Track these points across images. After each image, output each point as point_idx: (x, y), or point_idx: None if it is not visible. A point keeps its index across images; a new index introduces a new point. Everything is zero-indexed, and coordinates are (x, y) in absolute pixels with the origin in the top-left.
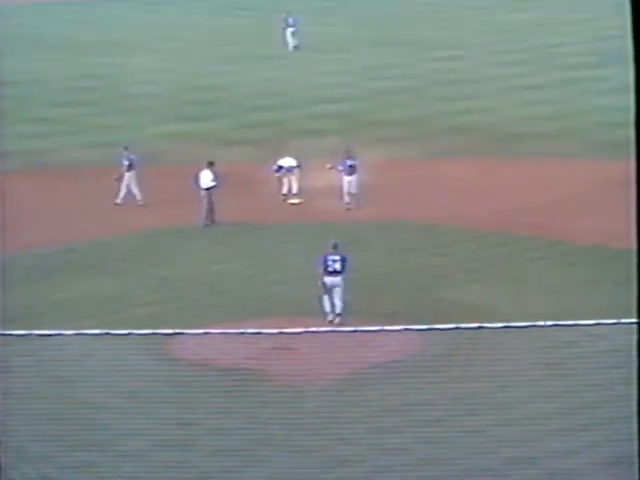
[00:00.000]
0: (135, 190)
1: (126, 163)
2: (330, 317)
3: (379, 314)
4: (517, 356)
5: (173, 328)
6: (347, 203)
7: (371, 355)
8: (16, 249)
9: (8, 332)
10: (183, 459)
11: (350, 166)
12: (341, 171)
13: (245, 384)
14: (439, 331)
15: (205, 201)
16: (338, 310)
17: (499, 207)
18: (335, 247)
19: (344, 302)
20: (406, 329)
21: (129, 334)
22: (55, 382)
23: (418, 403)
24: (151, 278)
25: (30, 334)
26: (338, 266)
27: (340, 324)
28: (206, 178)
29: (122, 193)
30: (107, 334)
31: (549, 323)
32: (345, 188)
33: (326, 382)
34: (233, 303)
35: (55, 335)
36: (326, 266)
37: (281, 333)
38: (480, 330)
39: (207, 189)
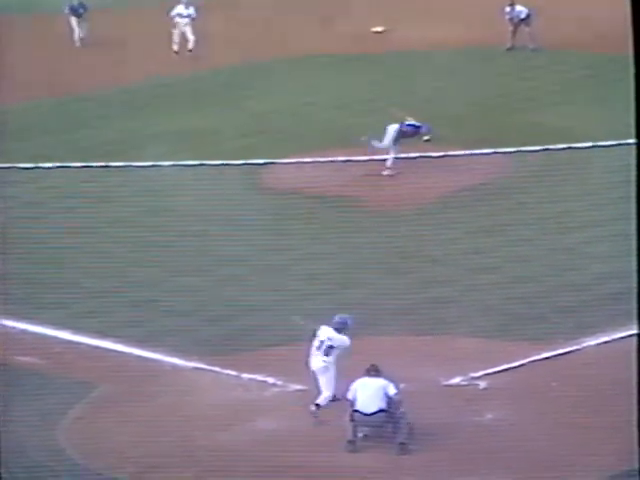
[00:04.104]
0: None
1: None
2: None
3: (470, 139)
4: (606, 175)
5: (264, 159)
6: None
7: (461, 179)
8: (110, 85)
9: (108, 164)
10: (280, 282)
11: None
12: None
13: (337, 210)
14: (528, 153)
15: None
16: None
17: (585, 27)
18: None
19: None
20: (495, 152)
21: (223, 165)
22: (153, 212)
23: (509, 224)
24: (240, 111)
25: (129, 165)
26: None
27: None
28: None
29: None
30: (202, 165)
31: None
32: None
33: (417, 206)
34: (321, 134)
35: (152, 166)
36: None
37: (371, 160)
38: (569, 151)
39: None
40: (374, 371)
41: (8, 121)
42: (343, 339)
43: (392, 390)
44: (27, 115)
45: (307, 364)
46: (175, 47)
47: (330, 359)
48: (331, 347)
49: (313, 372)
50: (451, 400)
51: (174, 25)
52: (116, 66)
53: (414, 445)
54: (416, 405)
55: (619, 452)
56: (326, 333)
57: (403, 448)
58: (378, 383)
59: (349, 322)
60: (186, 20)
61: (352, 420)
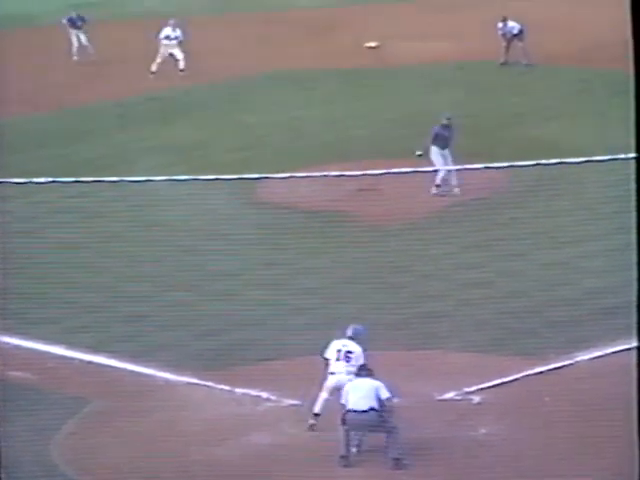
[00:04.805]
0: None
1: None
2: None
3: (462, 154)
4: (599, 189)
5: (258, 173)
6: None
7: (454, 193)
8: (104, 99)
9: (100, 179)
10: (273, 297)
11: None
12: None
13: (331, 225)
14: (520, 168)
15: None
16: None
17: (578, 42)
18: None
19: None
20: (487, 167)
21: (216, 179)
22: (146, 226)
23: (501, 238)
24: (234, 125)
25: (121, 180)
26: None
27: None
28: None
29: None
30: (195, 180)
31: (630, 156)
32: None
33: (410, 221)
34: (315, 148)
35: (145, 181)
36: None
37: (364, 175)
38: (562, 165)
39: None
40: (365, 370)
41: (1, 135)
42: (358, 347)
43: (385, 394)
44: (20, 129)
45: (324, 385)
46: (154, 67)
47: (353, 368)
48: (349, 352)
49: (335, 388)
50: (445, 415)
51: (161, 47)
52: (110, 80)
53: (408, 460)
54: (410, 420)
55: (613, 467)
56: (340, 342)
57: (397, 463)
58: (370, 384)
59: (363, 331)
60: (174, 42)
61: (344, 423)
